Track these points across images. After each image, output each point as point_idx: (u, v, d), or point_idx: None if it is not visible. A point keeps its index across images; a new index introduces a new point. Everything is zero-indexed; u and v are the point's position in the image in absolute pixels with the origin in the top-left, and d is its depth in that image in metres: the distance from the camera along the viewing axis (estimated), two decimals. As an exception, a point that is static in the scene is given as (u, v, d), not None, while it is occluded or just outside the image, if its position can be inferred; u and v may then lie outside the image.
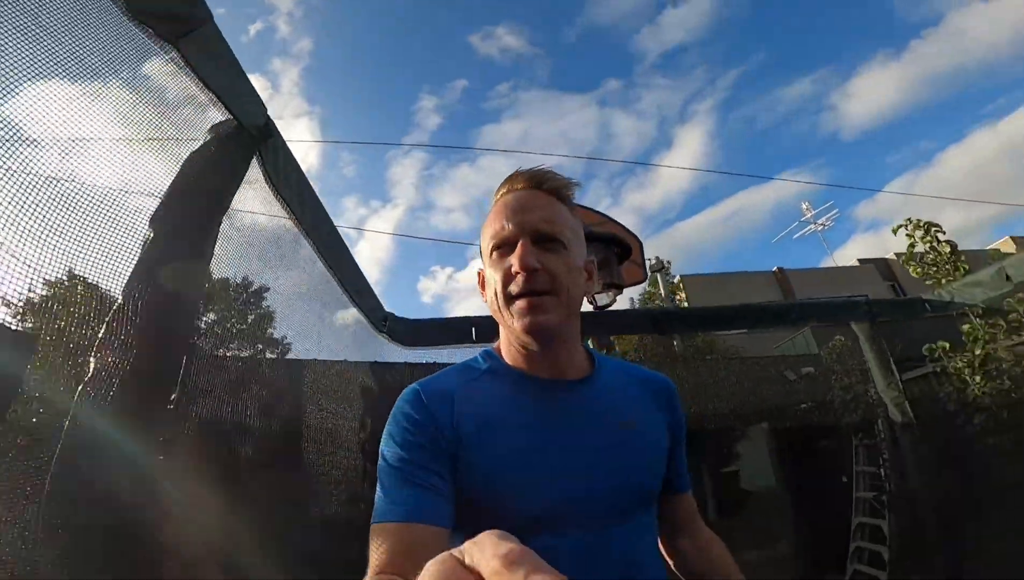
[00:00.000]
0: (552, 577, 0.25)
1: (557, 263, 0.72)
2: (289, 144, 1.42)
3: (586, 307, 2.84)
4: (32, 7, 0.74)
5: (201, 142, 1.05)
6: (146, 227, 0.91)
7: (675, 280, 17.42)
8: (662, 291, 15.13)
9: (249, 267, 1.31)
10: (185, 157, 1.00)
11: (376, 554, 0.62)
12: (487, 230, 0.77)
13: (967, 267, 3.28)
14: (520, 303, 0.71)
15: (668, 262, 16.21)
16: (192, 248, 1.00)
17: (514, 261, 0.71)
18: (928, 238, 3.31)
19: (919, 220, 3.36)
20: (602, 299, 2.78)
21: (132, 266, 0.88)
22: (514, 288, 0.71)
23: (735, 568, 0.87)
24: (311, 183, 1.58)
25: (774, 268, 18.87)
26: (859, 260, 19.93)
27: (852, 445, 4.70)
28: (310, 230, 1.61)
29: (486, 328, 2.92)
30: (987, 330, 3.06)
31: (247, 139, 1.16)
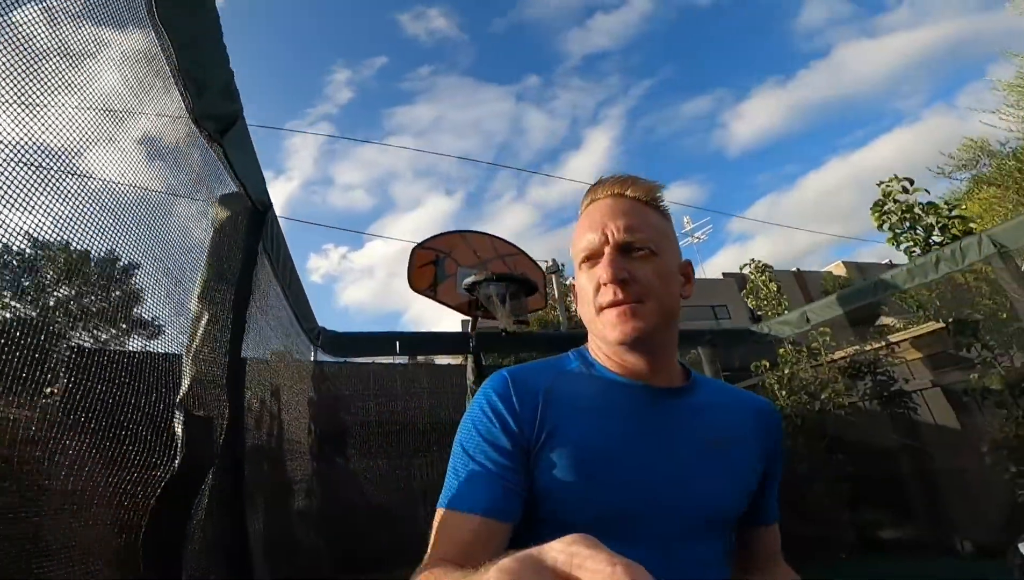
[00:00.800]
0: None
1: (647, 270, 0.70)
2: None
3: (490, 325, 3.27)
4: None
5: (226, 215, 1.30)
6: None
7: (568, 282, 18.54)
8: (555, 293, 16.10)
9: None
10: (214, 227, 1.27)
11: (441, 540, 0.62)
12: (576, 242, 0.76)
13: (787, 303, 4.27)
14: (610, 313, 0.69)
15: (563, 265, 17.17)
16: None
17: (602, 272, 0.70)
18: (763, 278, 4.24)
19: (759, 261, 4.30)
20: (516, 327, 3.17)
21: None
22: (603, 299, 0.70)
23: None
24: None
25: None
26: (723, 273, 22.47)
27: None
28: (280, 276, 1.93)
29: (409, 344, 3.24)
30: (794, 355, 4.01)
31: (256, 213, 1.42)
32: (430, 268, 3.35)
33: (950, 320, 3.19)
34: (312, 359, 2.78)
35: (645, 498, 0.67)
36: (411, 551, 0.85)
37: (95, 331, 0.92)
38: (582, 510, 0.65)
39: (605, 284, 0.70)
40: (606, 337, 0.71)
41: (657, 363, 0.74)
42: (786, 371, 3.98)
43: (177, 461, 1.02)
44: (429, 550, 0.62)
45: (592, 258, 0.73)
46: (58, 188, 0.77)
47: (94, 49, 0.87)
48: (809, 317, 3.38)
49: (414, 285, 3.29)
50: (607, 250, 0.71)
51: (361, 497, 3.14)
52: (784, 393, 3.85)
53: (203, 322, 1.29)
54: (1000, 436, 2.80)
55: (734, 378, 5.11)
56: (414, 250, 3.36)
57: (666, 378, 0.75)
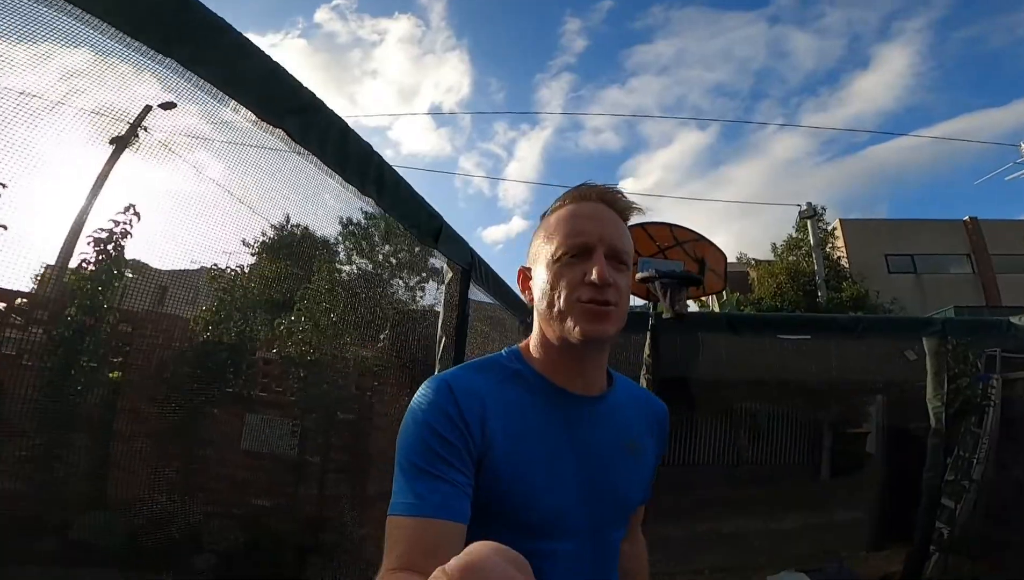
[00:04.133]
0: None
1: (622, 282, 0.76)
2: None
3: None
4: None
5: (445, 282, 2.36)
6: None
7: (830, 227, 15.86)
8: (811, 240, 14.07)
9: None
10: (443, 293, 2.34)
11: (396, 547, 0.62)
12: (554, 233, 0.77)
13: None
14: (589, 307, 0.73)
15: (822, 209, 14.71)
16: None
17: (592, 270, 0.72)
18: None
19: None
20: (680, 308, 3.60)
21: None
22: (586, 294, 0.73)
23: (645, 571, 1.02)
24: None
25: (965, 217, 16.02)
26: None
27: (960, 430, 4.84)
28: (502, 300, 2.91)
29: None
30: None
31: (464, 271, 2.43)
32: None
33: None
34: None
35: (579, 497, 0.75)
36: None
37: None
38: (526, 510, 0.71)
39: (592, 282, 0.72)
40: (571, 329, 0.73)
41: (592, 370, 0.80)
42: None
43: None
44: (386, 559, 0.63)
45: (578, 254, 0.75)
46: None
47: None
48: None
49: None
50: (600, 251, 0.74)
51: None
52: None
53: (442, 342, 2.38)
54: None
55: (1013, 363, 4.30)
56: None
57: (595, 384, 0.81)
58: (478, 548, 0.38)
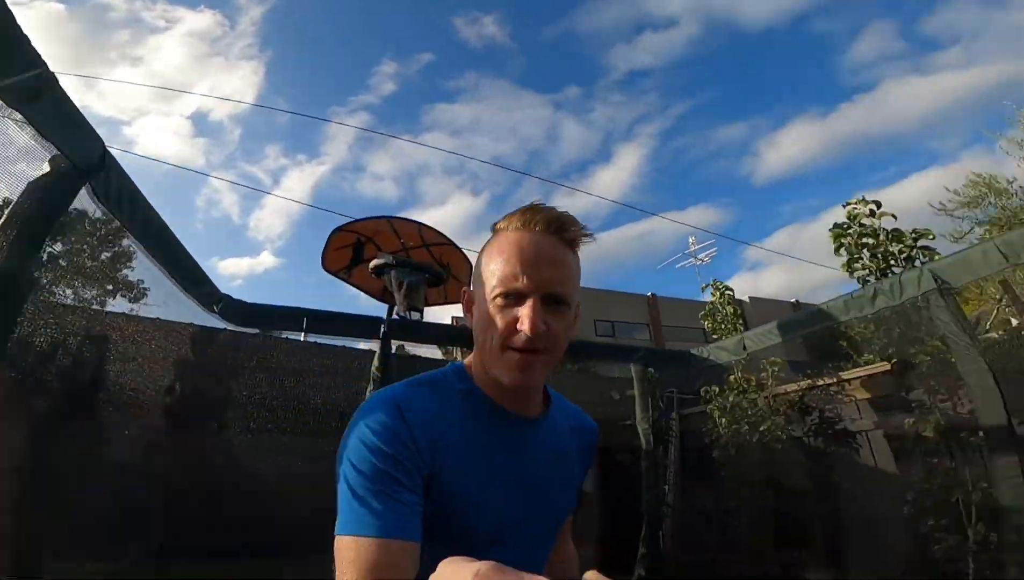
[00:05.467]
0: None
1: (560, 325, 0.74)
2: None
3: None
4: None
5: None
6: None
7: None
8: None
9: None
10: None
11: (352, 568, 0.62)
12: (493, 265, 0.75)
13: (742, 326, 4.11)
14: (514, 357, 0.72)
15: None
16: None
17: (523, 320, 0.71)
18: (723, 299, 4.12)
19: (719, 282, 4.19)
20: (414, 315, 3.00)
21: None
22: (513, 341, 0.72)
23: (574, 565, 1.03)
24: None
25: (648, 293, 20.55)
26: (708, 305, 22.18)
27: (655, 463, 5.43)
28: (141, 236, 2.02)
29: (317, 321, 3.09)
30: (741, 383, 3.80)
31: (76, 174, 1.47)
32: (347, 251, 3.20)
33: (894, 361, 2.96)
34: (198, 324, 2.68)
35: (521, 511, 0.78)
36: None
37: None
38: (475, 525, 0.73)
39: (522, 331, 0.71)
40: (499, 376, 0.75)
41: (531, 398, 0.83)
42: (730, 399, 3.77)
43: None
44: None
45: (511, 297, 0.73)
46: None
47: None
48: (746, 344, 3.18)
49: (327, 266, 3.12)
50: (533, 299, 0.72)
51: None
52: (724, 421, 3.63)
53: None
54: (925, 487, 2.57)
55: (686, 402, 4.92)
56: (333, 232, 3.22)
57: (535, 406, 0.84)
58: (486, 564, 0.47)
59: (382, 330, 2.91)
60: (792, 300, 21.51)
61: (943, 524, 2.40)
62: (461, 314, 0.86)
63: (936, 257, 3.12)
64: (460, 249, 3.45)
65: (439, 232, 3.39)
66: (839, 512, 3.18)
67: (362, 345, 3.68)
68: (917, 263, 3.08)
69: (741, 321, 4.34)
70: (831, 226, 3.27)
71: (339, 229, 3.17)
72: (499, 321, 0.73)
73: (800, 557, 3.21)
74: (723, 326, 4.17)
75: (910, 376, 2.83)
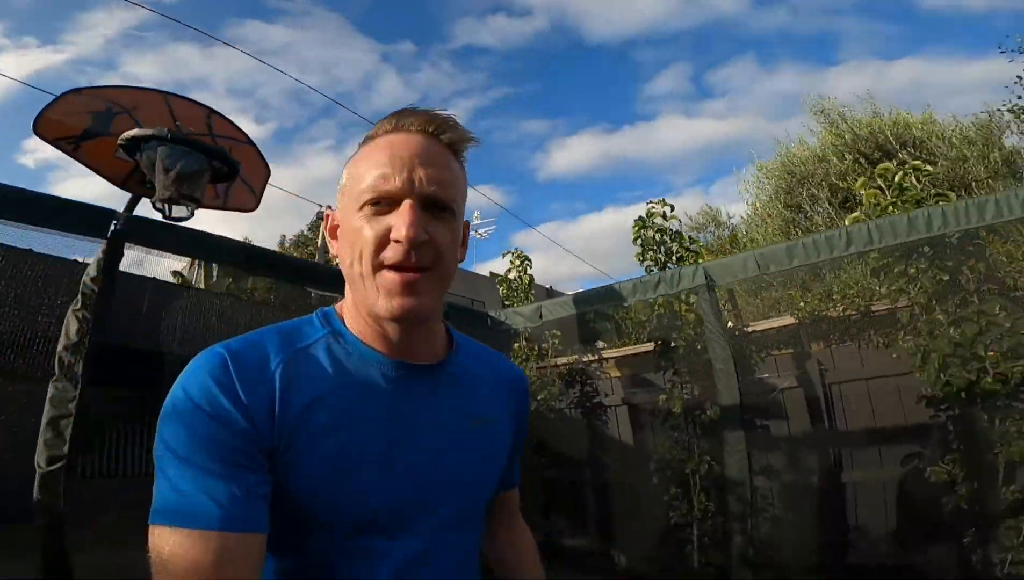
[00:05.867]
0: None
1: (445, 235, 0.62)
2: None
3: (157, 216, 2.25)
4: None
5: None
6: None
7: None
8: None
9: None
10: None
11: (176, 567, 0.50)
12: (360, 172, 0.62)
13: (532, 297, 4.35)
14: (393, 277, 0.59)
15: None
16: None
17: (399, 227, 0.58)
18: (521, 267, 4.26)
19: (519, 251, 4.31)
20: (179, 211, 2.22)
21: None
22: (390, 256, 0.59)
23: (539, 565, 0.87)
24: None
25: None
26: (490, 272, 23.78)
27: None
28: None
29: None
30: (526, 351, 3.88)
31: None
32: (82, 119, 2.14)
33: (659, 342, 3.33)
34: None
35: (416, 486, 0.63)
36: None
37: None
38: (346, 510, 0.60)
39: (398, 241, 0.58)
40: (374, 305, 0.60)
41: (421, 335, 0.67)
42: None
43: None
44: None
45: (382, 202, 0.60)
46: None
47: None
48: (543, 313, 3.21)
49: (42, 130, 2.07)
50: (409, 202, 0.59)
51: None
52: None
53: None
54: (667, 458, 2.93)
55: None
56: (66, 93, 2.12)
57: (429, 351, 0.68)
58: None
59: (114, 226, 2.02)
60: (548, 286, 24.36)
61: (678, 493, 2.77)
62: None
63: (701, 260, 3.60)
64: (262, 155, 2.67)
65: (237, 126, 2.58)
66: (603, 482, 3.49)
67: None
68: (687, 263, 3.55)
69: (532, 291, 4.54)
70: (635, 220, 3.57)
71: (77, 90, 2.14)
72: (368, 232, 0.60)
73: (561, 525, 3.44)
74: (518, 293, 4.28)
75: (669, 357, 3.19)
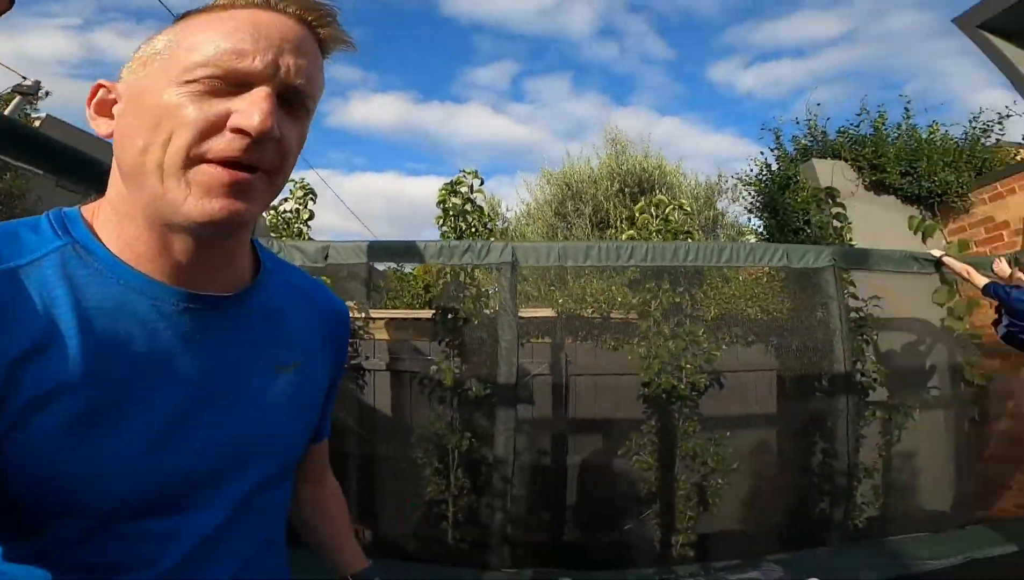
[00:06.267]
0: None
1: (296, 139, 0.49)
2: None
3: None
4: None
5: None
6: None
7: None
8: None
9: None
10: None
11: None
12: (198, 40, 0.45)
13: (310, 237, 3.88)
14: (218, 173, 0.44)
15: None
16: None
17: (249, 114, 0.43)
18: (303, 201, 3.69)
19: (306, 183, 3.70)
20: None
21: None
22: (220, 148, 0.43)
23: (347, 522, 0.79)
24: None
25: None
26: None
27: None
28: None
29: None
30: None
31: None
32: None
33: (438, 309, 3.23)
34: None
35: (199, 462, 0.50)
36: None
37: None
38: (90, 497, 0.45)
39: (240, 131, 0.43)
40: (177, 208, 0.44)
41: (223, 257, 0.51)
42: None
43: None
44: None
45: (227, 81, 0.44)
46: None
47: None
48: (331, 254, 2.80)
49: None
50: (267, 89, 0.45)
51: None
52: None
53: None
54: (430, 432, 2.86)
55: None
56: None
57: (229, 278, 0.53)
58: None
59: None
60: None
61: (439, 468, 2.72)
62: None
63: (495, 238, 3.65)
64: None
65: None
66: (356, 452, 3.19)
67: None
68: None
69: (311, 229, 3.94)
70: (444, 185, 3.41)
71: None
72: (191, 112, 0.43)
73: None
74: (292, 227, 3.62)
75: (448, 325, 3.12)
